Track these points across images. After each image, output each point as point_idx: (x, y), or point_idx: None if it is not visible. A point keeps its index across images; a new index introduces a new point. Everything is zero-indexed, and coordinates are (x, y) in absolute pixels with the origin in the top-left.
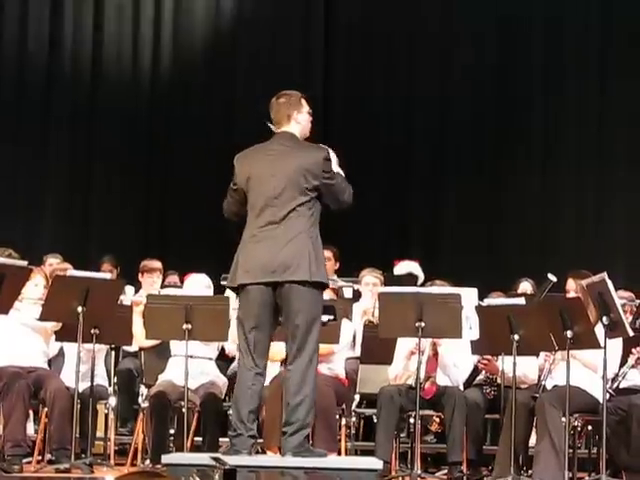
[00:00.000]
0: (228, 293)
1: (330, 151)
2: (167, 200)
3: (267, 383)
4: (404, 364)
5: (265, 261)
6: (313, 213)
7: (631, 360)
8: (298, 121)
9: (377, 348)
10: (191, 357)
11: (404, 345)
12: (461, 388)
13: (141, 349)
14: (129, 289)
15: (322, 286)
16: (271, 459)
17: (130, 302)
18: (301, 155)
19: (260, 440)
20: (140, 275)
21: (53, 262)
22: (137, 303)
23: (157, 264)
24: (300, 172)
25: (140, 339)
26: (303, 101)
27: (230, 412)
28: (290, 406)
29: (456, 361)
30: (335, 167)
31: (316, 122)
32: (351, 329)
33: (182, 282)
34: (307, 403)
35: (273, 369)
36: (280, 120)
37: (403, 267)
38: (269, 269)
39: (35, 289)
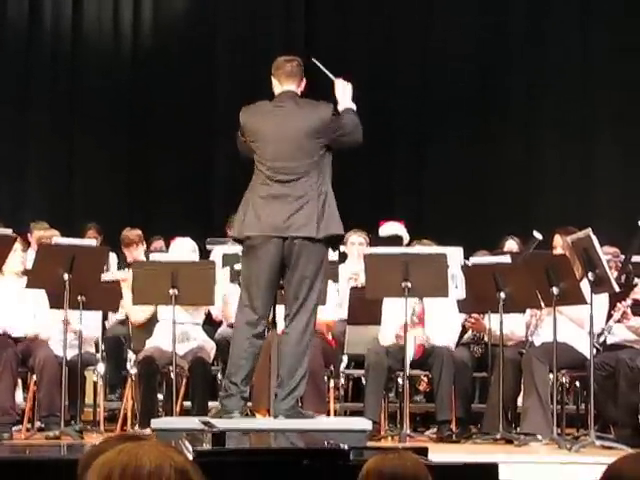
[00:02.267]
0: (213, 256)
1: (347, 84)
2: (150, 166)
3: None
4: (394, 331)
5: (274, 220)
6: (322, 169)
7: (617, 315)
8: (302, 85)
9: (364, 309)
10: (178, 323)
11: (391, 308)
12: (452, 348)
13: (135, 324)
14: (112, 257)
15: (332, 240)
16: (260, 421)
17: (116, 278)
18: (309, 114)
19: (249, 403)
20: (123, 248)
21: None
22: (123, 280)
23: (134, 235)
24: (309, 132)
25: (134, 315)
26: None
27: (219, 376)
28: (285, 369)
29: (443, 322)
30: (348, 102)
31: None
32: (336, 291)
33: (168, 247)
34: (302, 367)
35: None
36: (289, 76)
37: (388, 228)
38: (279, 225)
39: (15, 257)
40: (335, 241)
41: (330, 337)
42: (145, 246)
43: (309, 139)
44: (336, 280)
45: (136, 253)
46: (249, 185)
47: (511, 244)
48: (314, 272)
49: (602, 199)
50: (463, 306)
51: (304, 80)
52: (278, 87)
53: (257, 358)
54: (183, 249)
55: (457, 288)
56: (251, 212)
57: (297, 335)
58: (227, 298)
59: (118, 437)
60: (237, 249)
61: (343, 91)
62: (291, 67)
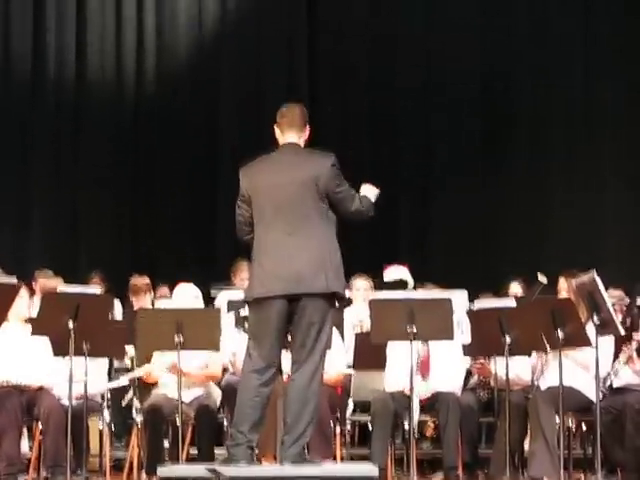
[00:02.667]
0: (218, 302)
1: (372, 188)
2: (154, 213)
3: None
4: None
5: (280, 273)
6: (327, 221)
7: (622, 357)
8: (305, 134)
9: (369, 354)
10: (184, 374)
11: (396, 353)
12: (458, 393)
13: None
14: (117, 305)
15: (339, 297)
16: (267, 469)
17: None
18: (311, 163)
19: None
20: (130, 295)
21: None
22: (147, 376)
23: (143, 282)
24: (311, 180)
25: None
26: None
27: (225, 423)
28: (292, 415)
29: (449, 366)
30: (368, 193)
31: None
32: (340, 338)
33: (172, 293)
34: (309, 413)
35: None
36: (292, 125)
37: (392, 272)
38: (285, 280)
39: (21, 304)
40: (336, 298)
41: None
42: (152, 294)
43: (309, 189)
44: (341, 325)
45: (144, 301)
46: (253, 247)
47: (515, 287)
48: (321, 318)
49: (608, 242)
50: (469, 350)
51: (307, 127)
52: (280, 137)
53: (265, 406)
54: (186, 295)
55: (463, 333)
56: (257, 274)
57: (304, 381)
58: (237, 356)
59: None
60: (242, 295)
61: (371, 190)
62: (292, 116)
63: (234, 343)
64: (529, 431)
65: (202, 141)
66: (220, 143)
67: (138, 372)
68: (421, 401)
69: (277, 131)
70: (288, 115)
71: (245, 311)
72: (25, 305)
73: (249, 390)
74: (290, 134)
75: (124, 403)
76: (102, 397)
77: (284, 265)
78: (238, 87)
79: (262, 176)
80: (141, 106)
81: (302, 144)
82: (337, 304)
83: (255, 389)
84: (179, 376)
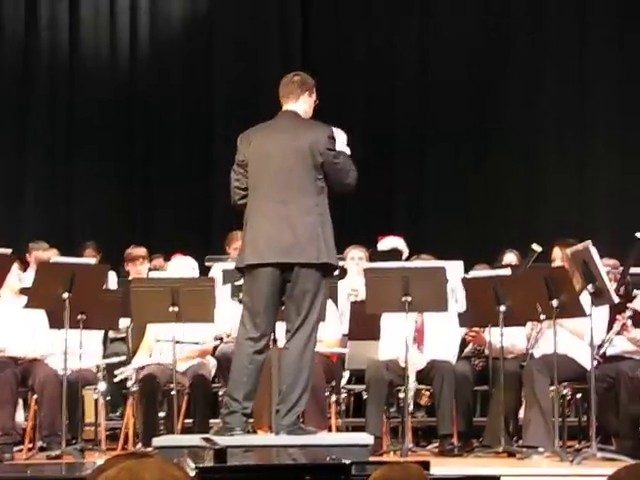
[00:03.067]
0: (213, 273)
1: (338, 130)
2: (150, 183)
3: None
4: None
5: (273, 241)
6: (321, 192)
7: (616, 326)
8: (306, 101)
9: (364, 324)
10: (178, 342)
11: (390, 323)
12: (453, 362)
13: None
14: (112, 275)
15: (331, 267)
16: (262, 438)
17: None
18: (307, 133)
19: (251, 420)
20: (126, 264)
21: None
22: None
23: (140, 251)
24: (307, 150)
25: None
26: (314, 90)
27: (220, 393)
28: (286, 385)
29: (444, 336)
30: (341, 146)
31: None
32: (335, 309)
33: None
34: (303, 382)
35: None
36: (288, 95)
37: (387, 242)
38: (277, 249)
39: (12, 276)
40: (328, 269)
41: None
42: (149, 264)
43: (304, 158)
44: (336, 295)
45: (140, 268)
46: (245, 214)
47: (510, 257)
48: (314, 286)
49: (601, 211)
50: (463, 320)
51: (307, 94)
52: (283, 106)
53: (259, 375)
54: (182, 267)
55: (457, 302)
56: (249, 240)
57: (298, 350)
58: (234, 328)
59: (125, 456)
60: None
61: (341, 138)
62: (288, 84)
63: (231, 314)
64: (524, 400)
65: (197, 112)
66: (215, 114)
67: (138, 363)
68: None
69: (281, 101)
70: (285, 84)
71: (241, 281)
72: (16, 276)
73: (243, 358)
74: (288, 103)
75: (117, 379)
76: (97, 368)
77: (277, 234)
78: (232, 55)
79: (259, 143)
80: (135, 77)
81: (302, 112)
82: (329, 275)
83: (249, 356)
84: (174, 346)
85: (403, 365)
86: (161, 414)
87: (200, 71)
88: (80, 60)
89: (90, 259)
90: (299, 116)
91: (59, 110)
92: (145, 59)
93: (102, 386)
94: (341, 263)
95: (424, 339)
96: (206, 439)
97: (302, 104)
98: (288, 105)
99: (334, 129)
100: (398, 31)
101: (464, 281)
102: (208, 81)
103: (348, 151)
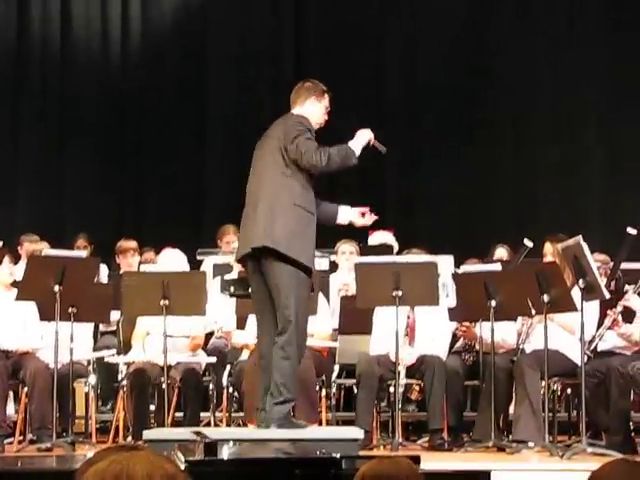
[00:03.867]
0: (204, 267)
1: (365, 130)
2: (142, 176)
3: (245, 357)
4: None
5: (244, 234)
6: (295, 185)
7: (607, 321)
8: (312, 105)
9: (355, 319)
10: (169, 337)
11: (382, 317)
12: (444, 357)
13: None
14: (103, 268)
15: (293, 260)
16: (252, 432)
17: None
18: (280, 126)
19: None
20: (117, 257)
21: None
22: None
23: (131, 243)
24: (276, 140)
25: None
26: (326, 95)
27: (211, 387)
28: (273, 380)
29: (434, 331)
30: (353, 142)
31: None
32: (325, 303)
33: None
34: (281, 375)
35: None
36: (295, 100)
37: (377, 237)
38: (242, 240)
39: (3, 269)
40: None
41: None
42: (140, 257)
43: (273, 150)
44: (327, 290)
45: (131, 261)
46: None
47: (501, 252)
48: (281, 278)
49: (593, 207)
50: (454, 314)
51: (315, 98)
52: None
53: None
54: (172, 260)
55: (448, 297)
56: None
57: (278, 344)
58: (224, 321)
59: (116, 448)
60: (227, 259)
61: (360, 134)
62: (298, 90)
63: (221, 308)
64: (514, 395)
65: (189, 105)
66: (208, 107)
67: (134, 357)
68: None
69: None
70: (295, 90)
71: (231, 275)
72: (6, 269)
73: (256, 355)
74: (294, 107)
75: (111, 361)
76: (88, 361)
77: (243, 227)
78: (225, 50)
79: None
80: (128, 70)
81: (307, 116)
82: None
83: (260, 354)
84: (164, 339)
85: (394, 360)
86: (152, 407)
87: (192, 64)
88: (72, 53)
89: (82, 251)
90: (286, 116)
91: (50, 103)
92: (137, 52)
93: (93, 379)
94: (332, 258)
95: (414, 336)
96: (196, 432)
97: (308, 107)
98: (293, 110)
99: (361, 132)
100: (390, 12)
101: (455, 276)
102: (200, 74)
103: (357, 150)
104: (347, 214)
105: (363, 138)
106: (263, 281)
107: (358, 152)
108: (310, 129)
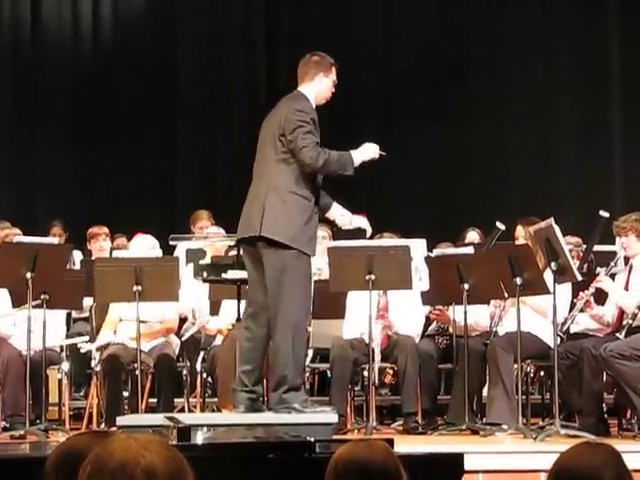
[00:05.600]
0: (177, 253)
1: (371, 145)
2: (113, 163)
3: (219, 342)
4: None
5: (243, 218)
6: (292, 171)
7: (579, 304)
8: (320, 82)
9: (328, 303)
10: (142, 322)
11: (355, 301)
12: (417, 340)
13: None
14: (77, 254)
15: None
16: (226, 416)
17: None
18: (282, 108)
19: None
20: (88, 243)
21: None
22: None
23: (102, 229)
24: (276, 125)
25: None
26: (334, 69)
27: (185, 372)
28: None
29: (407, 314)
30: (357, 152)
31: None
32: None
33: None
34: (284, 358)
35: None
36: (303, 76)
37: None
38: (240, 224)
39: None
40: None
41: None
42: (111, 243)
43: (273, 134)
44: None
45: (103, 244)
46: None
47: (473, 235)
48: (279, 268)
49: (564, 189)
50: (427, 298)
51: (323, 73)
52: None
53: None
54: (143, 245)
55: (421, 280)
56: None
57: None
58: (197, 306)
59: (88, 434)
60: (200, 244)
61: (366, 148)
62: (305, 65)
63: (194, 294)
64: (487, 377)
65: (161, 89)
66: (178, 92)
67: (104, 340)
68: (381, 345)
69: None
70: (302, 64)
71: (204, 260)
72: None
73: (240, 337)
74: (302, 84)
75: (83, 350)
76: (61, 348)
77: (244, 210)
78: (196, 30)
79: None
80: (98, 56)
81: (316, 93)
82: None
83: (243, 337)
84: (138, 325)
85: (367, 341)
86: (125, 393)
87: (164, 47)
88: (42, 37)
89: (54, 239)
90: (297, 93)
91: (21, 88)
92: (108, 35)
93: (66, 366)
94: None
95: (388, 316)
96: (170, 418)
97: (317, 84)
98: (301, 87)
99: (366, 145)
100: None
101: (427, 259)
102: (172, 57)
103: (357, 162)
104: (336, 213)
105: (368, 154)
106: (260, 265)
107: (357, 164)
108: (313, 119)
